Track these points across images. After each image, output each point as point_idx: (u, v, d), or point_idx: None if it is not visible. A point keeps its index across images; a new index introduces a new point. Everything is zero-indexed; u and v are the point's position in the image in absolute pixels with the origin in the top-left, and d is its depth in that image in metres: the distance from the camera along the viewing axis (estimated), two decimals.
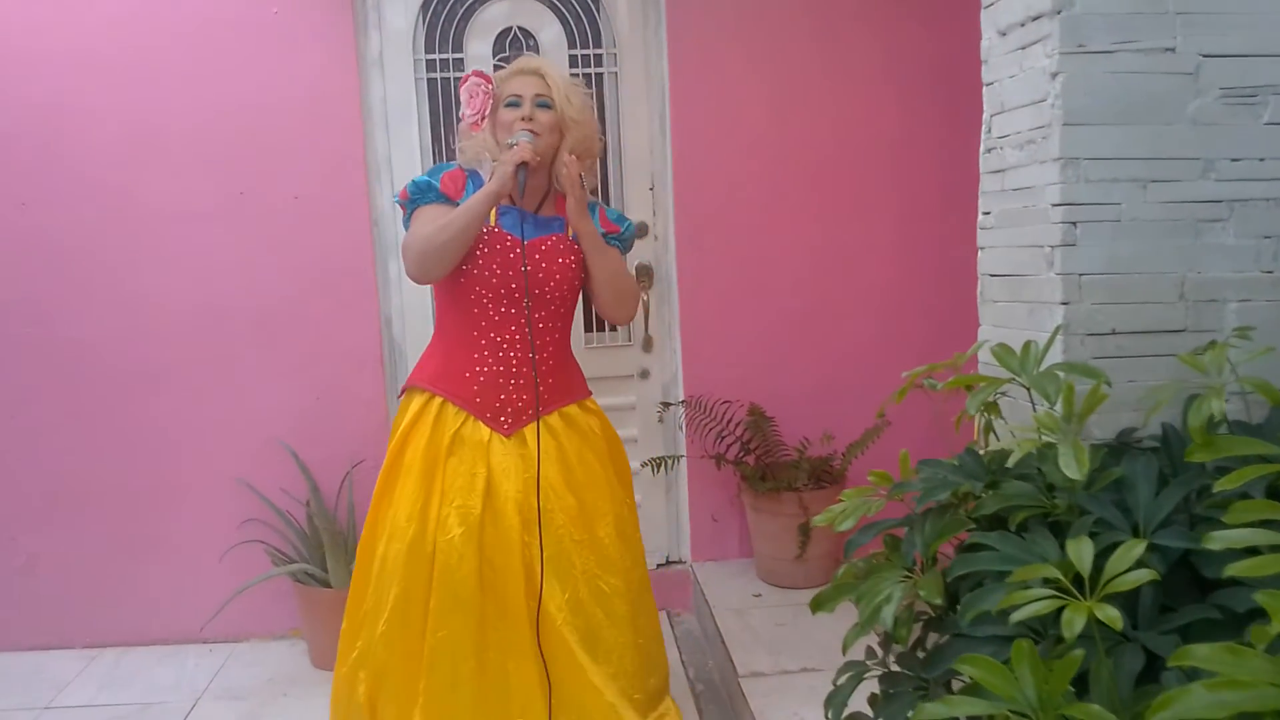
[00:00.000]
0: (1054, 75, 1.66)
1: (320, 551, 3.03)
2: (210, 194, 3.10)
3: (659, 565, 3.40)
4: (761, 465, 3.15)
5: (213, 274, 3.12)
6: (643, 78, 3.26)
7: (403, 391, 2.41)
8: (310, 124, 3.11)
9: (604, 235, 2.37)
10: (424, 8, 3.17)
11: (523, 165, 2.19)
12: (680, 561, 3.42)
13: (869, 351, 3.36)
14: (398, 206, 2.51)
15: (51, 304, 3.09)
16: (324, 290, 3.17)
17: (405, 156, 3.21)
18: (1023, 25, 1.75)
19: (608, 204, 2.98)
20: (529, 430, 2.29)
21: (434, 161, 3.23)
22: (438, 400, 2.30)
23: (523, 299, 2.27)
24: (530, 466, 2.25)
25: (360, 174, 3.16)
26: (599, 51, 3.24)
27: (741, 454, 3.18)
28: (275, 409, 3.18)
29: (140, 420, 3.14)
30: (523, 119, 2.28)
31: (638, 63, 3.26)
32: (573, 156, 2.29)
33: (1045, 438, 1.46)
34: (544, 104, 2.31)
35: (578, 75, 3.08)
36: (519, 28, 3.21)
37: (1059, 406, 1.49)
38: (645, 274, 3.31)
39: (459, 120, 2.40)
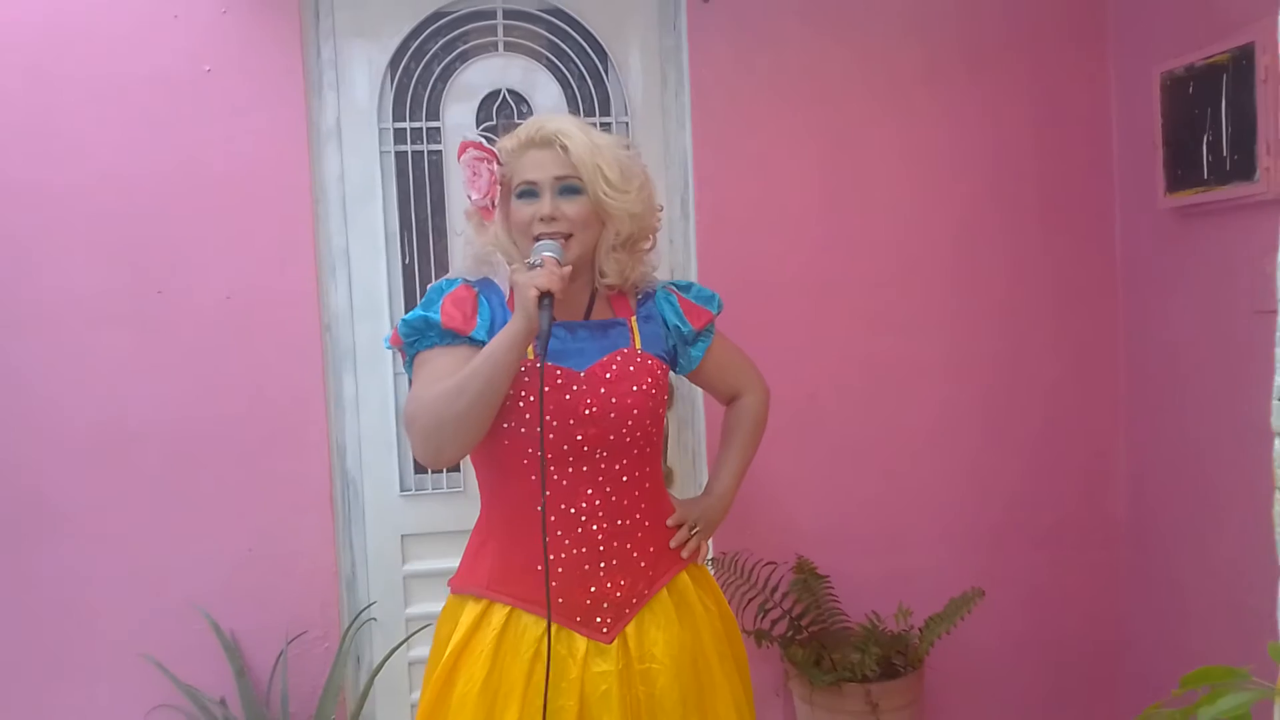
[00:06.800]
0: None
1: None
2: (120, 291, 2.45)
3: None
4: (815, 643, 2.44)
5: (120, 391, 2.46)
6: (661, 152, 2.66)
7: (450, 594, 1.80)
8: (248, 206, 2.49)
9: (695, 333, 1.82)
10: (391, 66, 2.58)
11: (547, 295, 1.57)
12: None
13: (948, 491, 2.70)
14: (395, 353, 1.82)
15: None
16: (260, 412, 2.50)
17: (367, 245, 2.59)
18: None
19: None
20: (635, 627, 1.70)
21: (402, 252, 2.61)
22: (502, 610, 1.68)
23: (595, 450, 1.69)
24: (640, 683, 1.69)
25: (309, 267, 2.53)
26: (607, 120, 2.64)
27: (790, 631, 2.47)
28: (193, 564, 2.48)
29: (20, 573, 2.44)
30: (542, 219, 1.67)
31: (654, 133, 2.66)
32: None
33: None
34: (571, 189, 1.68)
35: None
36: (509, 91, 2.62)
37: None
38: None
39: (469, 199, 1.77)
